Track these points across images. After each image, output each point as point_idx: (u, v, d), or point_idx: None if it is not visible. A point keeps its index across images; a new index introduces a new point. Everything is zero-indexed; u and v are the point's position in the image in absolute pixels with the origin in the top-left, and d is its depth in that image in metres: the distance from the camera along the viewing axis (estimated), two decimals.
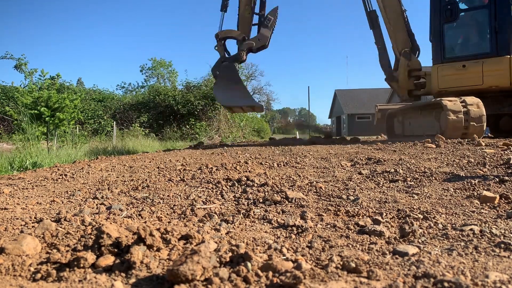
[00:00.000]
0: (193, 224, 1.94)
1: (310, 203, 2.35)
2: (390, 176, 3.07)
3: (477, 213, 1.95)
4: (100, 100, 21.21)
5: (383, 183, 2.87)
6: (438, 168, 3.29)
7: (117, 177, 3.65)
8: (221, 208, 2.30)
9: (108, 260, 1.28)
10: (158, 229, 1.51)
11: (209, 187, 2.94)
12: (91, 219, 1.95)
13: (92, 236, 1.48)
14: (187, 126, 19.48)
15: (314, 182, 2.94)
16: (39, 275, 1.21)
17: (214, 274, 1.13)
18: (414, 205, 2.15)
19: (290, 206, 2.29)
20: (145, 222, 1.97)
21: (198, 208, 2.26)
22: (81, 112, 14.35)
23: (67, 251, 1.40)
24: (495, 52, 6.84)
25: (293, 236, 1.69)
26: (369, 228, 1.70)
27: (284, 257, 1.37)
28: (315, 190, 2.69)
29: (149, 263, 1.27)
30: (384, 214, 2.00)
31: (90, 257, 1.27)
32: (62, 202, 2.60)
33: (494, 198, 2.14)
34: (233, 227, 1.87)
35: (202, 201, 2.48)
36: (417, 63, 8.20)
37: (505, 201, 2.14)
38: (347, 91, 45.73)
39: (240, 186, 2.93)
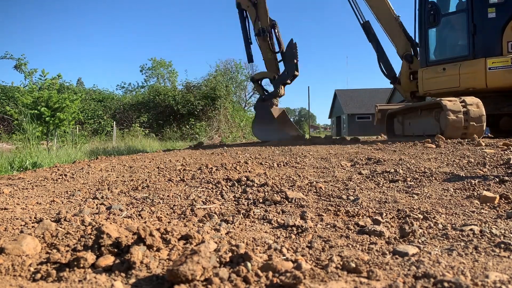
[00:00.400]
0: (193, 224, 1.94)
1: (310, 203, 2.35)
2: (390, 176, 3.07)
3: (477, 213, 1.95)
4: (100, 100, 21.20)
5: (383, 183, 2.87)
6: (438, 168, 3.29)
7: (117, 177, 3.65)
8: (221, 208, 2.30)
9: (108, 260, 1.28)
10: (158, 229, 1.51)
11: (209, 187, 2.94)
12: (91, 219, 1.95)
13: (92, 236, 1.48)
14: (187, 126, 19.48)
15: (314, 182, 2.94)
16: (39, 275, 1.21)
17: (214, 274, 1.13)
18: (414, 205, 2.15)
19: (290, 206, 2.29)
20: (145, 222, 1.97)
21: (198, 208, 2.26)
22: (81, 112, 14.35)
23: (67, 251, 1.40)
24: (472, 55, 6.98)
25: (293, 236, 1.69)
26: (369, 228, 1.70)
27: (284, 257, 1.37)
28: (315, 190, 2.69)
29: (149, 263, 1.27)
30: (384, 214, 2.00)
31: (90, 257, 1.27)
32: (62, 202, 2.60)
33: (494, 198, 2.14)
34: (233, 227, 1.87)
35: (202, 201, 2.48)
36: (418, 65, 8.26)
37: (505, 201, 2.14)
38: (347, 91, 45.74)
39: (240, 186, 2.93)
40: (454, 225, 1.74)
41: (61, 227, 1.73)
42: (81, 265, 1.25)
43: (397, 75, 8.90)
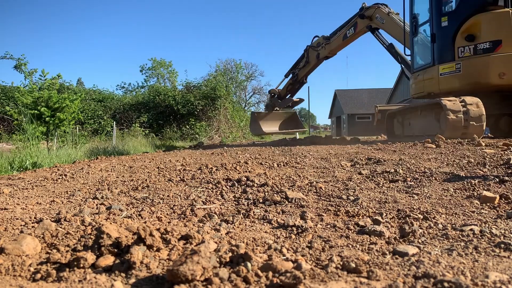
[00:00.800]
0: (193, 224, 1.94)
1: (310, 203, 2.35)
2: (390, 176, 3.07)
3: (477, 213, 1.95)
4: (100, 100, 21.17)
5: (383, 183, 2.87)
6: (438, 168, 3.29)
7: (117, 177, 3.65)
8: (221, 208, 2.30)
9: (108, 260, 1.28)
10: (158, 229, 1.51)
11: (209, 187, 2.94)
12: (91, 219, 1.95)
13: (92, 236, 1.48)
14: (187, 126, 19.46)
15: (314, 182, 2.94)
16: (39, 275, 1.21)
17: (214, 274, 1.13)
18: (414, 205, 2.15)
19: (290, 206, 2.29)
20: (145, 222, 1.97)
21: (198, 208, 2.26)
22: (81, 112, 14.35)
23: (67, 251, 1.40)
24: (432, 62, 7.46)
25: (293, 236, 1.69)
26: (369, 228, 1.70)
27: (284, 257, 1.37)
28: (315, 190, 2.69)
29: (149, 263, 1.27)
30: (384, 214, 2.00)
31: (90, 257, 1.27)
32: (62, 202, 2.60)
33: (494, 198, 2.14)
34: (233, 227, 1.87)
35: (202, 201, 2.48)
36: None
37: (505, 201, 2.14)
38: (347, 91, 45.72)
39: (240, 186, 2.93)
40: (454, 225, 1.74)
41: (61, 227, 1.73)
42: (81, 265, 1.25)
43: None
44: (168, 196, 2.68)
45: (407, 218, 1.88)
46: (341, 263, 1.26)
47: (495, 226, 1.69)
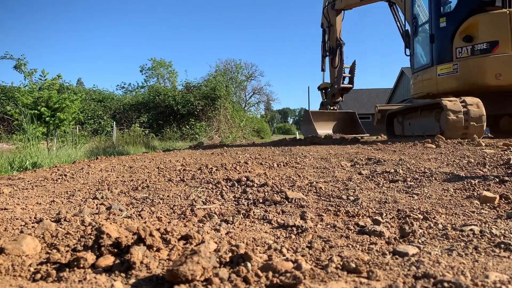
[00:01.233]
0: (193, 224, 1.94)
1: (310, 203, 2.35)
2: (390, 176, 3.07)
3: (477, 213, 1.95)
4: (100, 100, 21.18)
5: (383, 184, 2.87)
6: (438, 168, 3.29)
7: (117, 177, 3.65)
8: (221, 208, 2.30)
9: (108, 260, 1.28)
10: (158, 229, 1.51)
11: (209, 187, 2.94)
12: (91, 219, 1.95)
13: (92, 236, 1.48)
14: (187, 126, 19.46)
15: (314, 182, 2.94)
16: (39, 275, 1.21)
17: (214, 275, 1.13)
18: (414, 205, 2.15)
19: (290, 206, 2.29)
20: (145, 222, 1.97)
21: (198, 208, 2.26)
22: (81, 112, 14.34)
23: (67, 251, 1.40)
24: (431, 63, 7.49)
25: (293, 236, 1.69)
26: (369, 228, 1.70)
27: (284, 257, 1.37)
28: (315, 190, 2.69)
29: (149, 263, 1.27)
30: (384, 214, 2.00)
31: (90, 257, 1.27)
32: (62, 202, 2.60)
33: (494, 198, 2.13)
34: (233, 227, 1.87)
35: (202, 201, 2.48)
36: None
37: (505, 201, 2.14)
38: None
39: (240, 186, 2.93)
40: (454, 225, 1.74)
41: (61, 227, 1.73)
42: (81, 265, 1.25)
43: None
44: (168, 196, 2.68)
45: (407, 218, 1.88)
46: (341, 263, 1.26)
47: (495, 226, 1.69)
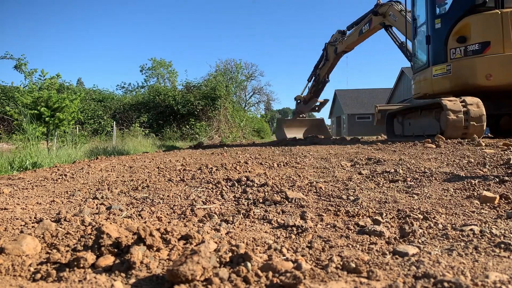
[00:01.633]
0: (193, 224, 1.94)
1: (310, 203, 2.35)
2: (390, 176, 3.07)
3: (477, 213, 1.95)
4: (100, 100, 21.16)
5: (383, 183, 2.87)
6: (438, 168, 3.29)
7: (117, 177, 3.65)
8: (221, 208, 2.30)
9: (108, 260, 1.28)
10: (158, 229, 1.51)
11: (209, 187, 2.94)
12: (91, 219, 1.95)
13: (92, 236, 1.48)
14: (187, 126, 19.45)
15: (314, 182, 2.94)
16: (39, 275, 1.21)
17: (214, 274, 1.13)
18: (414, 205, 2.15)
19: (290, 206, 2.29)
20: (145, 222, 1.97)
21: (198, 208, 2.26)
22: (81, 112, 14.34)
23: (67, 251, 1.40)
24: (427, 64, 7.54)
25: (293, 236, 1.69)
26: (369, 228, 1.70)
27: (284, 257, 1.37)
28: (315, 190, 2.69)
29: (149, 263, 1.27)
30: (384, 214, 2.00)
31: (90, 257, 1.27)
32: (62, 202, 2.60)
33: (494, 198, 2.13)
34: (233, 227, 1.87)
35: (202, 201, 2.48)
36: None
37: (505, 201, 2.14)
38: (347, 91, 45.73)
39: (240, 186, 2.93)
40: (454, 225, 1.74)
41: (61, 227, 1.73)
42: (81, 265, 1.25)
43: None
44: (168, 196, 2.68)
45: (407, 218, 1.88)
46: (341, 263, 1.26)
47: (495, 226, 1.69)
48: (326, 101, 13.57)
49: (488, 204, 2.11)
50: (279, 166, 3.97)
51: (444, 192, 2.45)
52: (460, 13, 6.82)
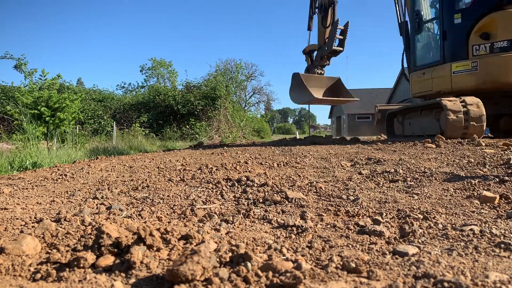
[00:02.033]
0: (193, 224, 1.94)
1: (310, 203, 2.35)
2: (390, 176, 3.07)
3: (477, 213, 1.95)
4: (100, 100, 21.16)
5: (383, 183, 2.87)
6: (438, 168, 3.29)
7: (117, 177, 3.65)
8: (221, 208, 2.30)
9: (108, 260, 1.28)
10: (158, 229, 1.51)
11: (209, 187, 2.94)
12: (91, 219, 1.95)
13: (92, 236, 1.48)
14: (187, 126, 19.46)
15: (314, 182, 2.94)
16: (39, 275, 1.21)
17: (214, 274, 1.13)
18: (414, 205, 2.15)
19: (290, 206, 2.29)
20: (145, 222, 1.97)
21: (198, 208, 2.26)
22: (81, 112, 14.35)
23: (67, 251, 1.40)
24: (443, 60, 7.30)
25: (293, 236, 1.69)
26: (369, 228, 1.70)
27: (284, 257, 1.37)
28: (315, 190, 2.69)
29: (149, 263, 1.27)
30: (384, 214, 2.00)
31: (90, 257, 1.27)
32: (62, 202, 2.60)
33: (494, 198, 2.14)
34: (233, 227, 1.87)
35: (202, 201, 2.48)
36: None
37: (505, 201, 2.14)
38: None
39: (240, 186, 2.93)
40: (454, 225, 1.74)
41: (61, 227, 1.73)
42: (81, 265, 1.25)
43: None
44: (168, 196, 2.68)
45: (407, 218, 1.88)
46: (341, 263, 1.26)
47: (495, 226, 1.69)
48: (339, 50, 9.75)
49: (488, 204, 2.11)
50: (279, 166, 3.97)
51: (444, 192, 2.45)
52: (485, 9, 6.65)
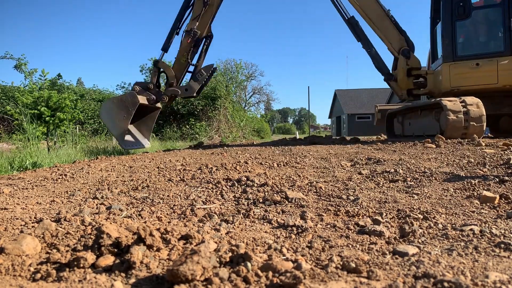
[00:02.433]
0: (193, 224, 1.94)
1: (310, 203, 2.35)
2: (390, 176, 3.07)
3: (477, 213, 1.95)
4: (100, 100, 21.14)
5: (383, 183, 2.87)
6: (438, 168, 3.29)
7: (117, 177, 3.65)
8: (221, 208, 2.30)
9: (108, 260, 1.28)
10: (158, 229, 1.51)
11: (209, 187, 2.94)
12: (91, 219, 1.95)
13: (92, 236, 1.48)
14: (187, 126, 19.47)
15: (314, 182, 2.94)
16: (39, 275, 1.21)
17: (214, 274, 1.13)
18: (414, 205, 2.15)
19: (290, 206, 2.29)
20: (145, 222, 1.97)
21: (198, 208, 2.26)
22: (81, 112, 14.34)
23: (67, 251, 1.40)
24: (509, 51, 6.80)
25: (293, 236, 1.69)
26: (369, 228, 1.70)
27: (284, 257, 1.37)
28: (315, 190, 2.69)
29: (149, 263, 1.27)
30: (384, 214, 2.00)
31: (90, 257, 1.27)
32: (62, 202, 2.60)
33: (494, 198, 2.14)
34: (233, 227, 1.87)
35: (202, 201, 2.48)
36: (416, 61, 7.83)
37: (505, 201, 2.14)
38: (347, 91, 45.77)
39: (240, 186, 2.93)
40: (454, 225, 1.74)
41: (61, 227, 1.73)
42: (81, 265, 1.25)
43: (390, 72, 8.28)
44: (168, 196, 2.68)
45: (407, 218, 1.88)
46: (341, 263, 1.26)
47: (495, 226, 1.69)
48: (211, 67, 8.27)
49: (488, 204, 2.11)
50: (279, 166, 3.97)
51: (444, 192, 2.45)
52: None
